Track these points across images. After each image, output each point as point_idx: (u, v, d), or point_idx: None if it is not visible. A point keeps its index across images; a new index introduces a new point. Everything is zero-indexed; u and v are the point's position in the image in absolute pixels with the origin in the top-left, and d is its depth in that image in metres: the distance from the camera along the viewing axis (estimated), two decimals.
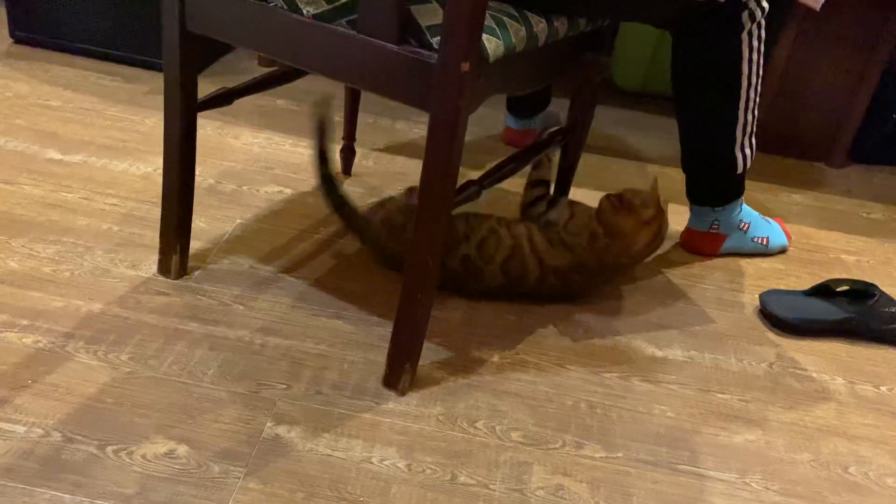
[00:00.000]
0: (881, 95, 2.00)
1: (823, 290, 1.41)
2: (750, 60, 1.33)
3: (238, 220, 1.45)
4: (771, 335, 1.37)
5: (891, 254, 1.69)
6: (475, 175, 1.14)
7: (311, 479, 0.97)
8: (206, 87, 1.16)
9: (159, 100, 1.52)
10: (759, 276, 1.54)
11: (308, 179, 1.62)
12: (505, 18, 1.00)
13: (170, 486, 0.93)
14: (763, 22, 1.31)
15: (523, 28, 1.01)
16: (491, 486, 1.00)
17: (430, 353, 1.20)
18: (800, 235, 1.70)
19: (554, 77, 1.24)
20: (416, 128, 1.93)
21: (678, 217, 1.66)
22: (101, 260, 1.29)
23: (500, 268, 1.29)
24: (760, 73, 1.36)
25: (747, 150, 1.43)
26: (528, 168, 1.35)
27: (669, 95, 1.44)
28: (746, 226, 1.56)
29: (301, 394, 1.09)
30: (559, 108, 1.87)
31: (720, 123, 1.40)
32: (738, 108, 1.37)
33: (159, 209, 1.24)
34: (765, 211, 1.73)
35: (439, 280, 1.07)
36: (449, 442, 1.05)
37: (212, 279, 1.28)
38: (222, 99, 1.20)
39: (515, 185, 1.67)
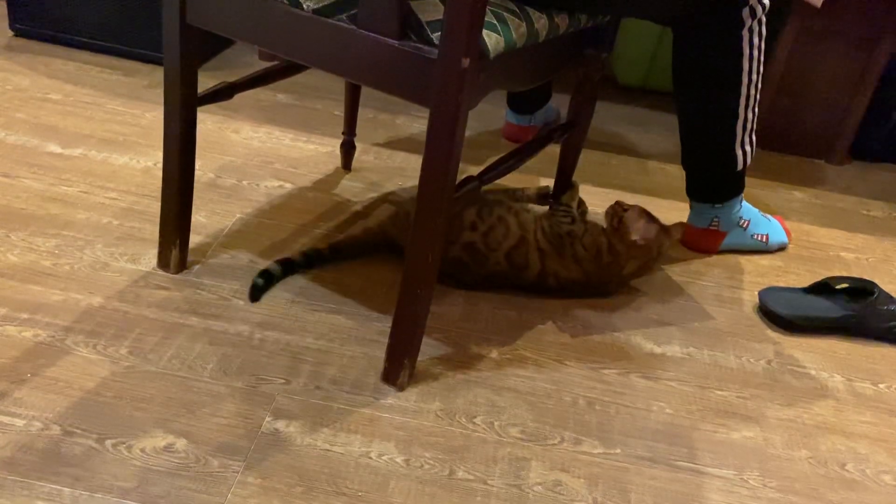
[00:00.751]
0: (882, 93, 1.99)
1: (823, 288, 1.41)
2: (751, 57, 1.33)
3: (238, 215, 1.45)
4: (770, 332, 1.37)
5: (890, 252, 1.69)
6: (475, 171, 1.14)
7: (310, 473, 0.97)
8: (206, 81, 1.16)
9: (159, 94, 1.52)
10: (758, 273, 1.54)
11: (308, 174, 1.62)
12: (505, 14, 1.00)
13: (169, 479, 0.93)
14: (764, 18, 1.31)
15: (524, 24, 1.01)
16: (489, 482, 1.00)
17: (429, 349, 1.20)
18: (800, 233, 1.70)
19: (554, 73, 1.24)
20: (416, 123, 1.93)
21: (678, 214, 1.66)
22: (101, 254, 1.29)
23: (504, 255, 1.30)
24: (761, 69, 1.36)
25: (748, 147, 1.43)
26: (527, 165, 1.34)
27: (670, 92, 1.44)
28: (746, 223, 1.56)
29: (300, 389, 1.09)
30: (560, 103, 1.87)
31: (721, 120, 1.40)
32: (738, 105, 1.37)
33: (159, 203, 1.24)
34: (765, 208, 1.73)
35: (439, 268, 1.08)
36: (447, 437, 1.06)
37: (211, 273, 1.28)
38: (222, 93, 1.20)
39: (515, 181, 1.67)
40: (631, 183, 1.82)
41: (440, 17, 0.90)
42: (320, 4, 0.97)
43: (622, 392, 1.19)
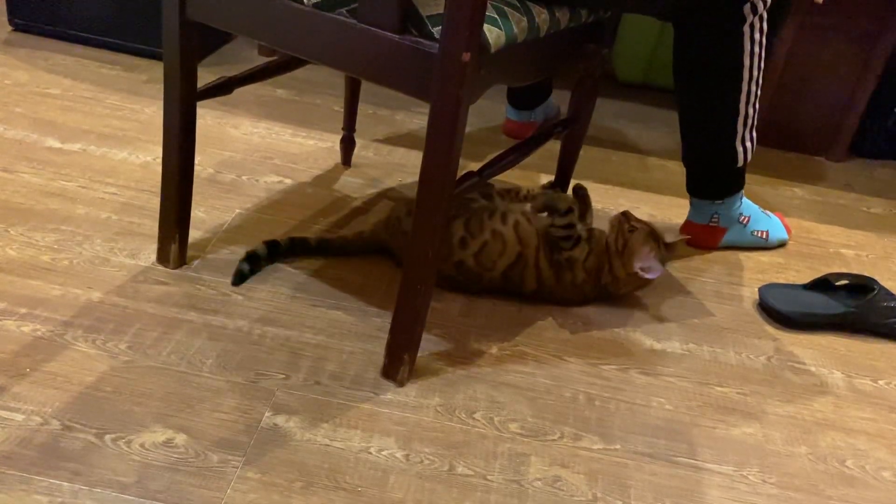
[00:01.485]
0: (883, 89, 1.99)
1: (822, 284, 1.41)
2: (751, 53, 1.33)
3: (237, 210, 1.45)
4: (770, 329, 1.37)
5: (890, 248, 1.69)
6: (475, 167, 1.14)
7: (310, 468, 0.97)
8: (205, 76, 1.15)
9: (159, 88, 1.52)
10: (758, 270, 1.54)
11: (308, 170, 1.62)
12: (507, 8, 0.99)
13: (168, 474, 0.93)
14: (765, 14, 1.31)
15: (525, 18, 1.01)
16: (489, 477, 1.00)
17: (428, 345, 1.20)
18: (799, 229, 1.70)
19: (555, 68, 1.24)
20: (416, 118, 1.93)
21: (678, 210, 1.66)
22: (100, 249, 1.29)
23: (500, 274, 1.28)
24: (762, 65, 1.35)
25: (748, 144, 1.43)
26: (527, 162, 1.34)
27: (670, 88, 1.44)
28: (746, 219, 1.56)
29: (300, 384, 1.09)
30: (560, 99, 1.86)
31: (721, 116, 1.40)
32: (739, 101, 1.37)
33: (158, 198, 1.23)
34: (765, 204, 1.73)
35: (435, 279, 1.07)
36: (447, 433, 1.06)
37: (211, 269, 1.28)
38: (222, 88, 1.19)
39: (515, 177, 1.67)
40: (631, 179, 1.82)
41: (441, 11, 0.90)
42: None
43: (622, 388, 1.18)
